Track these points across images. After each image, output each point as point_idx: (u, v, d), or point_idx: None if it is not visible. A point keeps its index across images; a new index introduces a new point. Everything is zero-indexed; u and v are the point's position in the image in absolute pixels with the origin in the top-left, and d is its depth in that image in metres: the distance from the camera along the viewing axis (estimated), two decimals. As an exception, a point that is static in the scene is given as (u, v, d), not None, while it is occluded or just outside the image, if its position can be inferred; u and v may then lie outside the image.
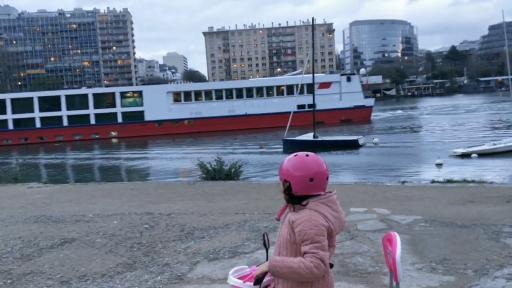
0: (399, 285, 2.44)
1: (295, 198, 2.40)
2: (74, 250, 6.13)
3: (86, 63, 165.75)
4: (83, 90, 61.70)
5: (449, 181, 10.84)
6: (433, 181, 11.44)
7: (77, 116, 53.89)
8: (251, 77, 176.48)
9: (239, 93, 58.01)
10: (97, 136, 53.41)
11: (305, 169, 2.37)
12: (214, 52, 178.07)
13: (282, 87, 58.81)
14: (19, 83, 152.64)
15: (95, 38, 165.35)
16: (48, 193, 11.24)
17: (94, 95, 55.75)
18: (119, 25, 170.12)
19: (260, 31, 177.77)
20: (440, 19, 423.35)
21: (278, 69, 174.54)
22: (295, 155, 2.44)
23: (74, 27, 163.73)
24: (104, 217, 7.98)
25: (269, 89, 58.79)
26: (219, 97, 57.66)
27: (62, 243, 6.50)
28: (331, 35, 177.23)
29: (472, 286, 4.37)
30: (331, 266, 2.49)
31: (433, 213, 7.11)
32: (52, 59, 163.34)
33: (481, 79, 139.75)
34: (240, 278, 2.55)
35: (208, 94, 57.85)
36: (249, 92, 58.15)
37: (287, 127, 34.79)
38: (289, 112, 55.62)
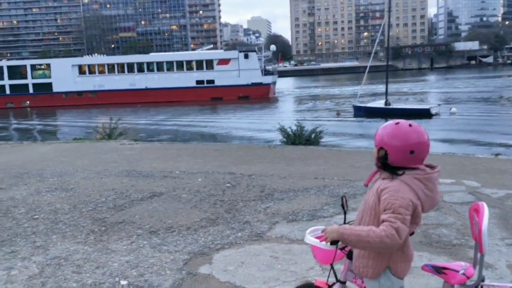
0: (484, 257, 2.32)
1: (389, 167, 2.30)
2: (162, 204, 6.50)
3: (174, 27, 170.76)
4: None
5: (550, 156, 10.00)
6: (530, 155, 10.63)
7: None
8: (335, 42, 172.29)
9: (140, 67, 59.21)
10: (12, 105, 57.34)
11: (406, 139, 2.23)
12: (298, 16, 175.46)
13: (193, 63, 59.24)
14: (113, 45, 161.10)
15: (183, 2, 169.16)
16: (138, 150, 11.92)
17: (9, 67, 59.48)
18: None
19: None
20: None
21: (365, 34, 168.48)
22: (397, 123, 2.30)
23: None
24: (189, 174, 8.35)
25: (169, 64, 59.16)
26: (121, 71, 59.32)
27: (151, 196, 6.91)
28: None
29: None
30: (412, 233, 2.42)
31: (528, 189, 6.63)
32: (142, 22, 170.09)
33: None
34: (316, 238, 2.58)
35: (110, 67, 59.65)
36: (150, 67, 59.07)
37: (358, 94, 34.70)
38: (188, 87, 57.26)
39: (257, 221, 5.61)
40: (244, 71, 57.30)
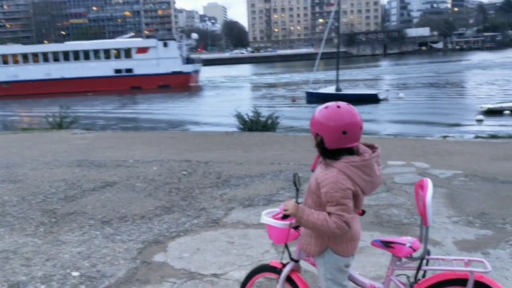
0: (429, 230, 2.41)
1: (328, 152, 2.33)
2: (115, 193, 6.37)
3: (127, 13, 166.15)
4: None
5: (494, 136, 10.47)
6: (476, 136, 11.10)
7: None
8: (292, 28, 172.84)
9: (56, 57, 58.05)
10: None
11: (337, 121, 2.26)
12: (254, 2, 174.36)
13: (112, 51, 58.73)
14: (63, 32, 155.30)
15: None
16: (91, 139, 11.61)
17: None
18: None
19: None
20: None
21: (320, 20, 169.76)
22: (326, 107, 2.33)
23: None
24: (144, 163, 8.21)
25: (86, 53, 58.47)
26: (36, 60, 57.82)
27: (103, 186, 6.75)
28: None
29: (510, 240, 4.29)
30: (363, 213, 2.49)
31: (474, 168, 6.92)
32: (94, 8, 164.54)
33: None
34: (272, 217, 2.63)
35: (25, 57, 58.07)
36: (66, 56, 58.09)
37: (311, 81, 35.35)
38: (106, 77, 56.70)
39: (213, 208, 5.60)
40: (164, 59, 56.62)
